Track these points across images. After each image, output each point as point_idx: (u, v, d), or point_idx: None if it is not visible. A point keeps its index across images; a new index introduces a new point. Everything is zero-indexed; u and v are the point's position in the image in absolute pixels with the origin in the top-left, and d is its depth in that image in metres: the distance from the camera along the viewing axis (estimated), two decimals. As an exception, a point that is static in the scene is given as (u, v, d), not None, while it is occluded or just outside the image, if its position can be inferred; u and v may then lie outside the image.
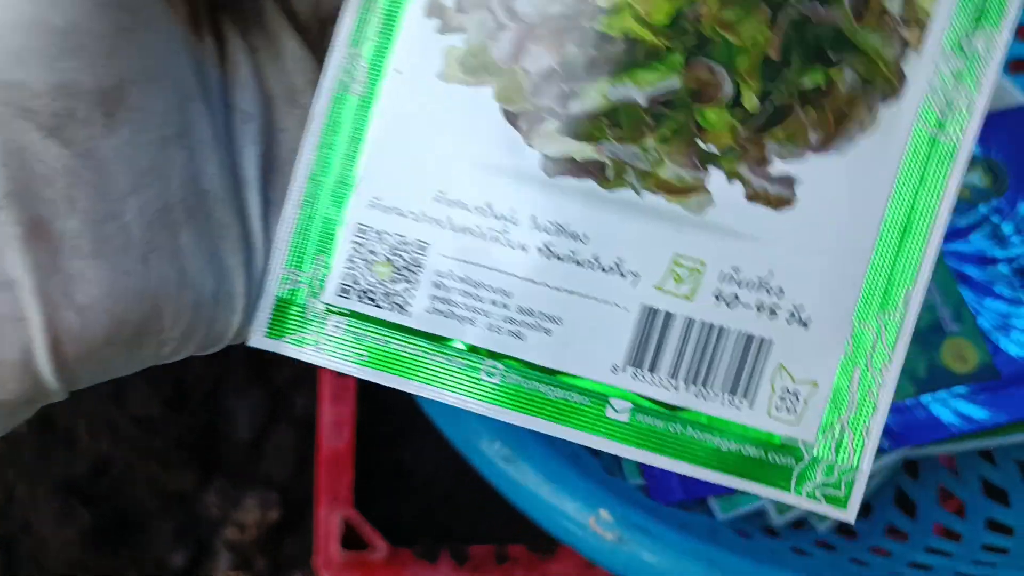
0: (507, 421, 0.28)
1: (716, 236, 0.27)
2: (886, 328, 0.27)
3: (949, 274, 0.39)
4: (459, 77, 0.28)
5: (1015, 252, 0.39)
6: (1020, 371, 0.38)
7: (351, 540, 0.46)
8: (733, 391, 0.28)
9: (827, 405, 0.27)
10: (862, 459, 0.28)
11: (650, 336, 0.28)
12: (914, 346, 0.38)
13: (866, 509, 0.42)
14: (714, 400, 0.28)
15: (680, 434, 0.28)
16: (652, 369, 0.28)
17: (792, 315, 0.27)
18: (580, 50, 0.27)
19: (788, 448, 0.28)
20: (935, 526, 0.41)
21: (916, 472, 0.42)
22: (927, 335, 0.39)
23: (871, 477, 0.39)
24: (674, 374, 0.28)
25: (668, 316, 0.27)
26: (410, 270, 0.28)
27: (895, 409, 0.39)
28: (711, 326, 0.27)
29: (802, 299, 0.27)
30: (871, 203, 0.27)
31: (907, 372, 0.39)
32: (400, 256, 0.28)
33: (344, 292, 0.29)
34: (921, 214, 0.27)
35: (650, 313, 0.28)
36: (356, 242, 0.28)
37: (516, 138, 0.28)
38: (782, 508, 0.40)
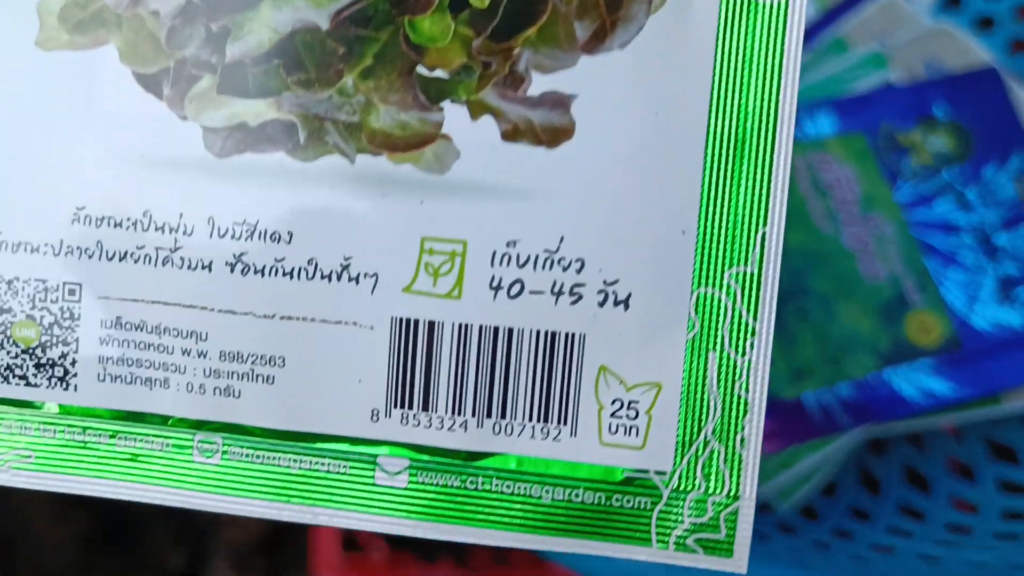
0: (237, 513, 0.20)
1: (473, 201, 0.18)
2: (743, 288, 0.18)
3: (912, 243, 0.37)
4: (64, 40, 0.19)
5: (979, 219, 0.37)
6: (985, 344, 0.36)
7: (351, 542, 0.46)
8: (544, 416, 0.19)
9: (680, 414, 0.19)
10: (743, 481, 0.19)
11: (413, 360, 0.19)
12: (876, 319, 0.37)
13: (830, 488, 0.39)
14: (521, 434, 0.19)
15: (482, 490, 0.19)
16: (426, 406, 0.19)
17: (604, 294, 0.18)
18: (222, -37, 0.18)
19: (637, 484, 0.19)
20: (898, 506, 0.38)
21: (881, 449, 0.40)
22: (890, 307, 0.37)
23: (829, 459, 0.34)
24: (458, 408, 0.19)
25: (432, 327, 0.19)
26: (63, 327, 0.19)
27: (855, 385, 0.36)
28: (495, 330, 0.19)
29: (614, 269, 0.18)
30: (684, 113, 0.18)
31: (868, 345, 0.37)
32: (46, 310, 0.19)
33: (-17, 374, 0.20)
34: (759, 115, 0.18)
35: (405, 327, 0.19)
36: (-18, 301, 0.19)
37: (162, 111, 0.19)
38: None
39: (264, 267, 0.19)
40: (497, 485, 0.19)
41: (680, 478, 0.19)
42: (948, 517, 0.37)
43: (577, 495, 0.19)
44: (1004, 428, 0.38)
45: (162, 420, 0.20)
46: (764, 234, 0.19)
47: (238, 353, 0.19)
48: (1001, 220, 0.37)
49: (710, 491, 0.19)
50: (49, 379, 0.20)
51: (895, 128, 0.38)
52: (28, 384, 0.20)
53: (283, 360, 0.19)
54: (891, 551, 0.35)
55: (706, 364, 0.19)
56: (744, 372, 0.19)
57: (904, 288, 0.37)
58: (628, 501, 0.19)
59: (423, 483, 0.19)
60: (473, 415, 0.19)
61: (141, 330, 0.19)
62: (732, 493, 0.19)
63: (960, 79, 0.38)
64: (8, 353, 0.20)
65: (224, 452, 0.20)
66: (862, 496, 0.39)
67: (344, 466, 0.20)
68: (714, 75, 0.18)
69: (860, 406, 0.36)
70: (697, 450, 0.19)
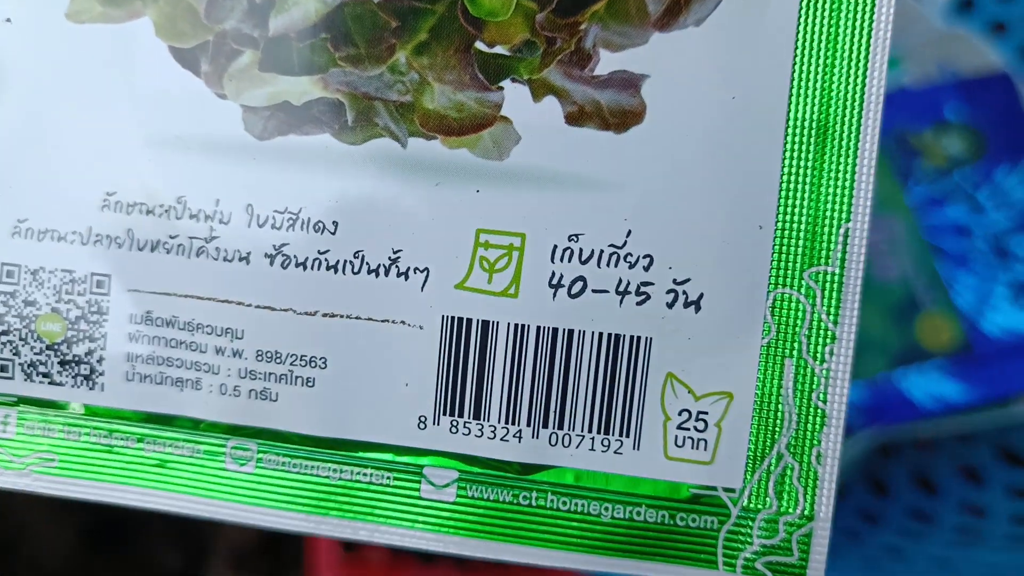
0: (271, 527, 0.18)
1: (533, 190, 0.17)
2: (823, 290, 0.17)
3: (924, 245, 0.37)
4: (97, 12, 0.17)
5: (991, 222, 0.37)
6: (995, 348, 0.36)
7: (350, 542, 0.44)
8: (606, 428, 0.17)
9: (752, 426, 0.17)
10: (818, 501, 0.17)
11: (465, 363, 0.17)
12: (887, 320, 0.36)
13: (840, 491, 0.39)
14: (580, 446, 0.17)
15: (536, 506, 0.18)
16: (478, 414, 0.17)
17: (674, 295, 0.17)
18: (267, -69, 0.17)
19: (704, 501, 0.17)
20: (907, 508, 0.38)
21: (889, 452, 0.40)
22: (901, 309, 0.37)
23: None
24: (512, 416, 0.17)
25: (486, 327, 0.17)
26: (90, 321, 0.18)
27: (864, 386, 0.36)
28: (554, 332, 0.17)
29: (684, 267, 0.17)
30: (762, 97, 0.17)
31: (879, 346, 0.36)
32: (72, 303, 0.18)
33: (2, 370, 0.18)
34: (844, 101, 0.17)
35: (457, 327, 0.17)
36: (4, 292, 0.18)
37: (200, 88, 0.17)
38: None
39: (306, 260, 0.17)
40: (552, 501, 0.18)
41: (750, 496, 0.18)
42: (957, 521, 0.36)
43: (639, 513, 0.18)
44: (1013, 433, 0.37)
45: (193, 424, 0.18)
46: (847, 230, 0.17)
47: (276, 353, 0.18)
48: (1013, 224, 0.37)
49: (782, 510, 0.18)
50: (74, 377, 0.18)
51: (908, 130, 0.38)
52: (52, 383, 0.19)
53: (324, 361, 0.18)
54: (901, 553, 0.34)
55: (782, 372, 0.17)
56: (822, 381, 0.17)
57: (915, 290, 0.37)
58: (694, 520, 0.18)
59: (473, 497, 0.18)
60: (528, 424, 0.18)
61: (172, 326, 0.18)
62: (806, 513, 0.18)
63: (973, 83, 0.38)
64: (32, 349, 0.18)
65: (259, 460, 0.18)
66: (871, 499, 0.38)
67: (388, 477, 0.18)
68: (796, 56, 0.17)
69: (869, 408, 0.36)
70: (769, 466, 0.18)
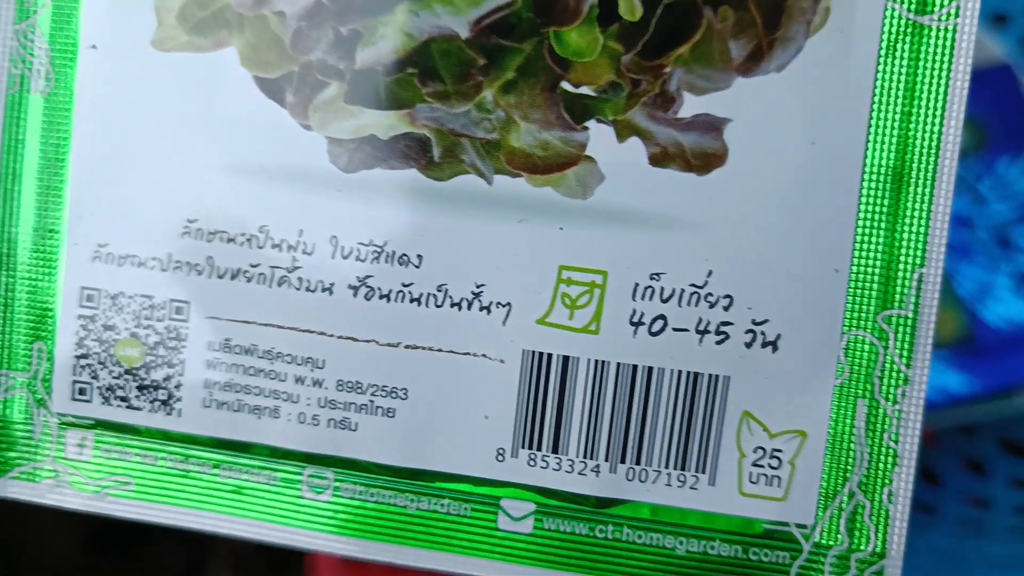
0: (350, 555, 0.18)
1: (616, 229, 0.17)
2: (896, 333, 0.17)
3: None
4: (183, 41, 0.18)
5: (992, 212, 0.37)
6: (997, 340, 0.36)
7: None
8: (682, 464, 0.18)
9: (825, 464, 0.17)
10: (889, 539, 0.17)
11: (544, 397, 0.18)
12: None
13: None
14: (657, 481, 0.18)
15: (612, 540, 0.18)
16: (556, 448, 0.18)
17: (752, 335, 0.17)
18: (359, -31, 0.17)
19: (777, 537, 0.18)
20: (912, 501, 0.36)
21: None
22: None
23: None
24: (590, 451, 0.18)
25: (566, 362, 0.17)
26: (169, 347, 0.18)
27: None
28: (633, 369, 0.17)
29: (763, 308, 0.17)
30: (841, 143, 0.17)
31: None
32: (151, 329, 0.18)
33: (81, 393, 0.19)
34: (920, 148, 0.17)
35: (538, 361, 0.17)
36: (84, 316, 0.18)
37: (284, 119, 0.17)
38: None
39: (390, 292, 0.18)
40: (628, 535, 0.18)
41: (822, 533, 0.18)
42: (960, 513, 0.36)
43: (713, 547, 0.18)
44: (1017, 425, 0.37)
45: (270, 452, 0.19)
46: (921, 275, 0.17)
47: (357, 383, 0.18)
48: (1015, 215, 0.37)
49: (854, 547, 0.18)
50: (152, 402, 0.19)
51: (909, 121, 0.38)
52: (130, 407, 0.19)
53: (405, 392, 0.18)
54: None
55: (854, 412, 0.18)
56: (894, 422, 0.18)
57: (917, 282, 0.37)
58: (766, 555, 0.18)
59: (549, 530, 0.18)
60: (606, 459, 0.18)
61: (251, 354, 0.18)
62: (877, 551, 0.18)
63: (974, 74, 0.38)
64: (111, 373, 0.19)
65: (336, 488, 0.19)
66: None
67: (465, 508, 0.18)
68: (874, 102, 0.17)
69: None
70: (841, 503, 0.18)
